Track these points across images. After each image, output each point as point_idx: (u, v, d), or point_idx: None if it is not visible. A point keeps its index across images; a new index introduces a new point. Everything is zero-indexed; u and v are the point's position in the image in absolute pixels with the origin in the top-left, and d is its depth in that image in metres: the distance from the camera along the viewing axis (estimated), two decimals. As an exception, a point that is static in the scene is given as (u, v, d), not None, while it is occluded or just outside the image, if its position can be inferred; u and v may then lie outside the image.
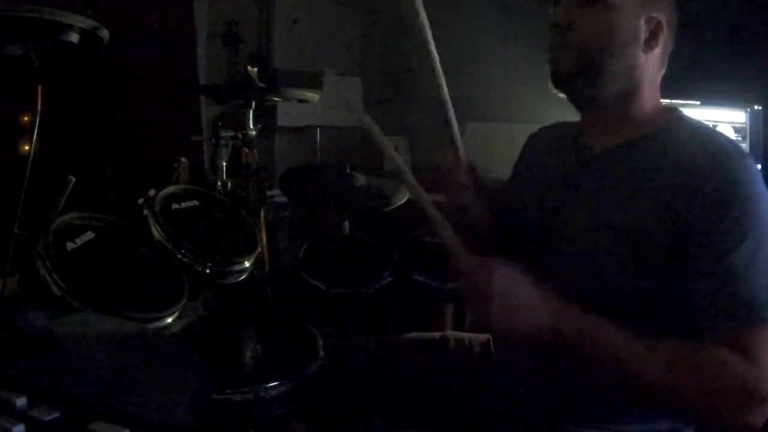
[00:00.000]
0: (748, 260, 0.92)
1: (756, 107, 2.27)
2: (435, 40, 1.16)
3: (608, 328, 0.92)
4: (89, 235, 1.37)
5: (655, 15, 1.05)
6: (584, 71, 1.06)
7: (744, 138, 2.26)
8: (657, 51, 1.07)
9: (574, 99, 1.13)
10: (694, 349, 0.92)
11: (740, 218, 0.94)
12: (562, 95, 1.12)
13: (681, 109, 1.12)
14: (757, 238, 0.93)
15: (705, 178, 0.96)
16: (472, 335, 1.37)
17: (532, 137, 1.33)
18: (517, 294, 0.92)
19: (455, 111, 1.22)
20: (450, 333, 1.38)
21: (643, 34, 1.05)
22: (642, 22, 1.04)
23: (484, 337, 1.35)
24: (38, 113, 1.24)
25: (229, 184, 2.06)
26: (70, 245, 1.31)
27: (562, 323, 0.92)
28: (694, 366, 0.90)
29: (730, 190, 0.95)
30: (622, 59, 1.05)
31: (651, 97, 1.10)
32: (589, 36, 1.04)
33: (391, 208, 2.11)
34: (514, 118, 2.85)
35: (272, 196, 2.19)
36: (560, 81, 1.09)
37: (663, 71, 1.12)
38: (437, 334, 1.38)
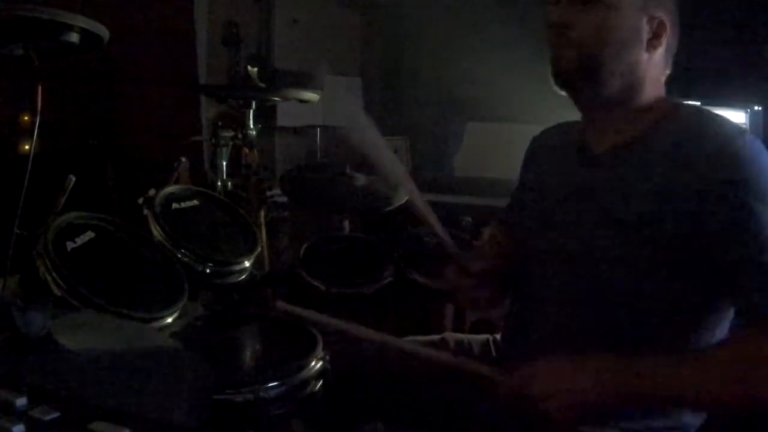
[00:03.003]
0: None
1: (756, 107, 2.27)
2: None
3: (652, 364, 0.95)
4: (89, 235, 1.37)
5: (658, 15, 1.05)
6: (585, 70, 1.05)
7: (744, 138, 2.26)
8: (660, 50, 1.07)
9: (576, 97, 1.12)
10: (741, 346, 0.95)
11: (758, 197, 0.94)
12: (563, 94, 1.12)
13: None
14: None
15: (714, 163, 0.96)
16: (471, 336, 1.36)
17: (535, 140, 1.31)
18: (563, 384, 0.97)
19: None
20: (449, 335, 1.38)
21: (645, 34, 1.05)
22: (644, 21, 1.04)
23: (483, 337, 1.34)
24: (38, 113, 1.24)
25: (229, 184, 2.06)
26: (70, 245, 1.31)
27: (612, 384, 0.95)
28: (747, 366, 0.91)
29: (743, 174, 0.95)
30: (623, 58, 1.05)
31: (654, 96, 1.09)
32: (588, 35, 1.03)
33: (391, 208, 2.11)
34: (514, 118, 2.84)
35: (272, 196, 2.18)
36: (561, 79, 1.09)
37: (668, 71, 1.11)
38: (436, 337, 1.37)
